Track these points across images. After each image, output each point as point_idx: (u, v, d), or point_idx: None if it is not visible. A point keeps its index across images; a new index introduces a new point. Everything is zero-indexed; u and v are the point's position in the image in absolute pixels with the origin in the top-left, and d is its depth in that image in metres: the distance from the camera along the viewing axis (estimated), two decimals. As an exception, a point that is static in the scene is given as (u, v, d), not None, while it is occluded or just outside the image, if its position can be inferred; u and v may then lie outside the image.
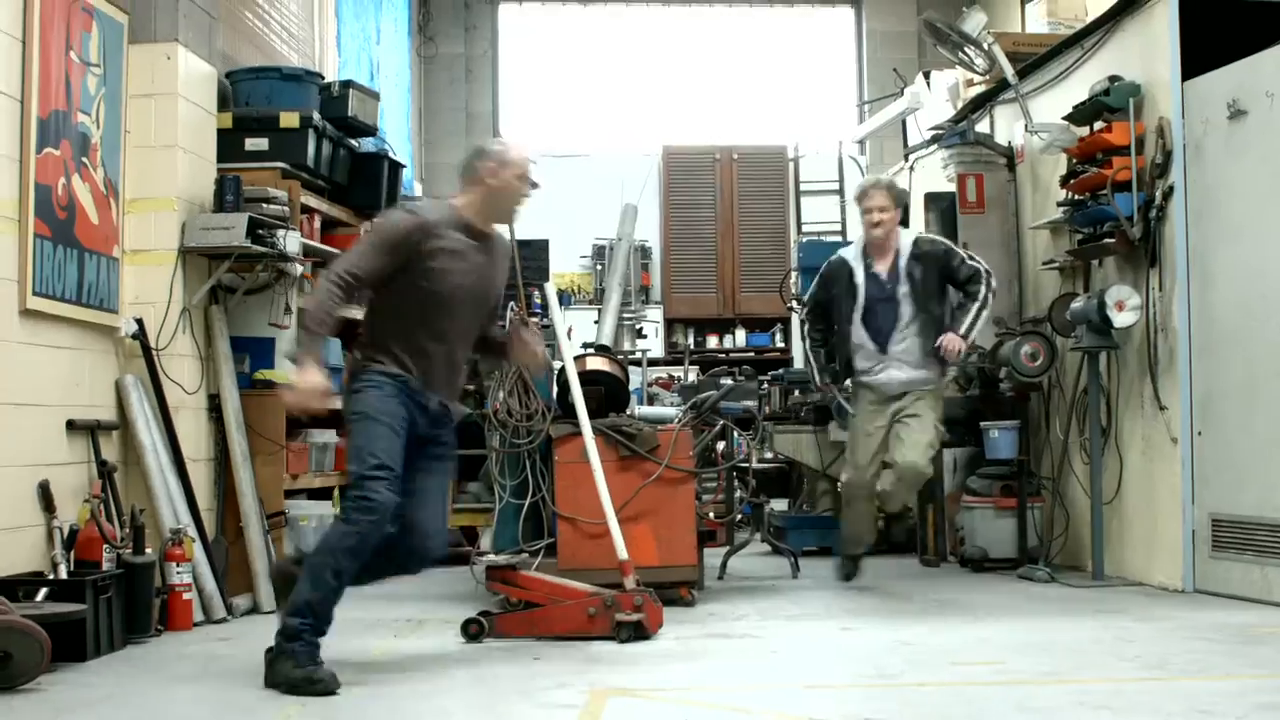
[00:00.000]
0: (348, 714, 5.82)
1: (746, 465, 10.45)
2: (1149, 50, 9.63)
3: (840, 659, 6.96)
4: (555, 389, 9.11)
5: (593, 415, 8.85)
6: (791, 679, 6.34)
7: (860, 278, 9.55)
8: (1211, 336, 9.10)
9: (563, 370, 8.87)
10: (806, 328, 10.03)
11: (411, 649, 7.43)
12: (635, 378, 12.96)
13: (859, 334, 9.56)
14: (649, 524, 8.72)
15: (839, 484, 10.12)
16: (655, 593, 7.78)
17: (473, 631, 7.57)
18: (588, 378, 9.15)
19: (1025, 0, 16.20)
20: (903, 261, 9.47)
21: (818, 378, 9.99)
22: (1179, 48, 9.31)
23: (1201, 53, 9.31)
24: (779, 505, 13.75)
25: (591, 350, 10.26)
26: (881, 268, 9.54)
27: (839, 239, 14.93)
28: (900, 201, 9.66)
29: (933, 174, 12.85)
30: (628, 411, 9.38)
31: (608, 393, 9.22)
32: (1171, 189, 9.34)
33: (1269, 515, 8.49)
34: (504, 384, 9.11)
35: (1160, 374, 9.46)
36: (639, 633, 7.48)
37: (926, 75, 14.88)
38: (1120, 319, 9.38)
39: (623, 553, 7.93)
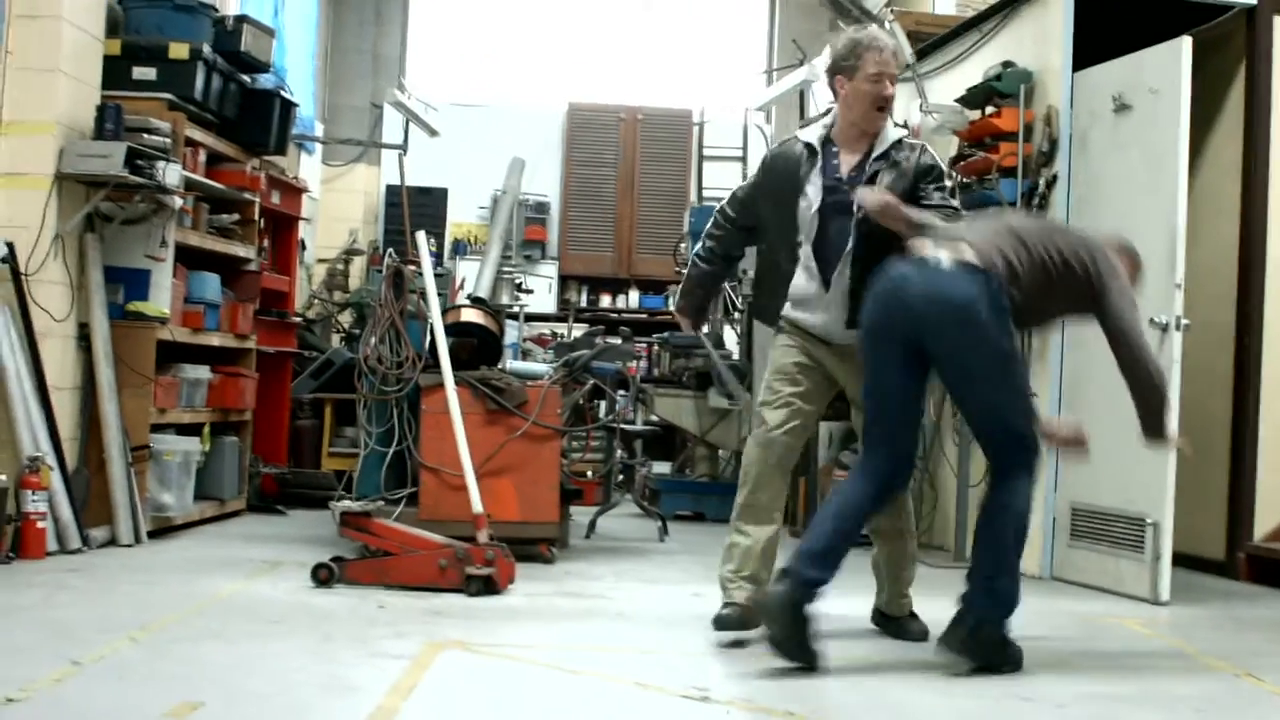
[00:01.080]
0: (180, 653, 5.76)
1: (616, 426, 10.42)
2: (1044, 39, 9.67)
3: (685, 627, 6.93)
4: (428, 338, 9.05)
5: (464, 367, 8.84)
6: (630, 643, 6.35)
7: (816, 174, 6.69)
8: (1083, 327, 9.14)
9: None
10: (710, 226, 7.21)
11: (261, 591, 7.39)
12: (513, 332, 12.95)
13: (805, 255, 6.73)
14: (512, 479, 8.72)
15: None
16: (511, 549, 7.76)
17: (322, 577, 7.53)
18: (461, 329, 9.11)
19: (937, -20, 16.23)
20: (872, 157, 6.72)
21: (682, 302, 7.40)
22: (1073, 38, 9.34)
23: (1093, 45, 9.36)
24: (661, 468, 13.80)
25: (467, 302, 10.20)
26: (848, 162, 6.75)
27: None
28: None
29: (830, 147, 12.84)
30: (500, 366, 9.35)
31: (480, 345, 9.19)
32: (1056, 178, 9.39)
33: (1125, 508, 8.58)
34: (376, 330, 9.05)
35: (1033, 361, 9.52)
36: (489, 587, 7.47)
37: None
38: (997, 303, 9.43)
39: (478, 506, 7.91)
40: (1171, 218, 8.40)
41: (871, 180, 6.59)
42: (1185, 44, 8.50)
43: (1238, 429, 9.52)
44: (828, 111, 7.00)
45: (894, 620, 6.96)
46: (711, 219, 7.22)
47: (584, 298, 17.65)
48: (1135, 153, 8.80)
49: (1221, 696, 5.59)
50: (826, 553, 5.93)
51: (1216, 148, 10.08)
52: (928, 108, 10.53)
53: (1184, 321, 8.37)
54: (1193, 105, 8.51)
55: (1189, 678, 6.04)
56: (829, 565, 5.92)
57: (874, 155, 6.68)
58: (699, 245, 7.26)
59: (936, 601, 7.91)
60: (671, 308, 7.09)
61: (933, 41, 11.30)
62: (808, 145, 6.72)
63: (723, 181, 15.45)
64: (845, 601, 6.62)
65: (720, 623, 6.57)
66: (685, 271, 7.50)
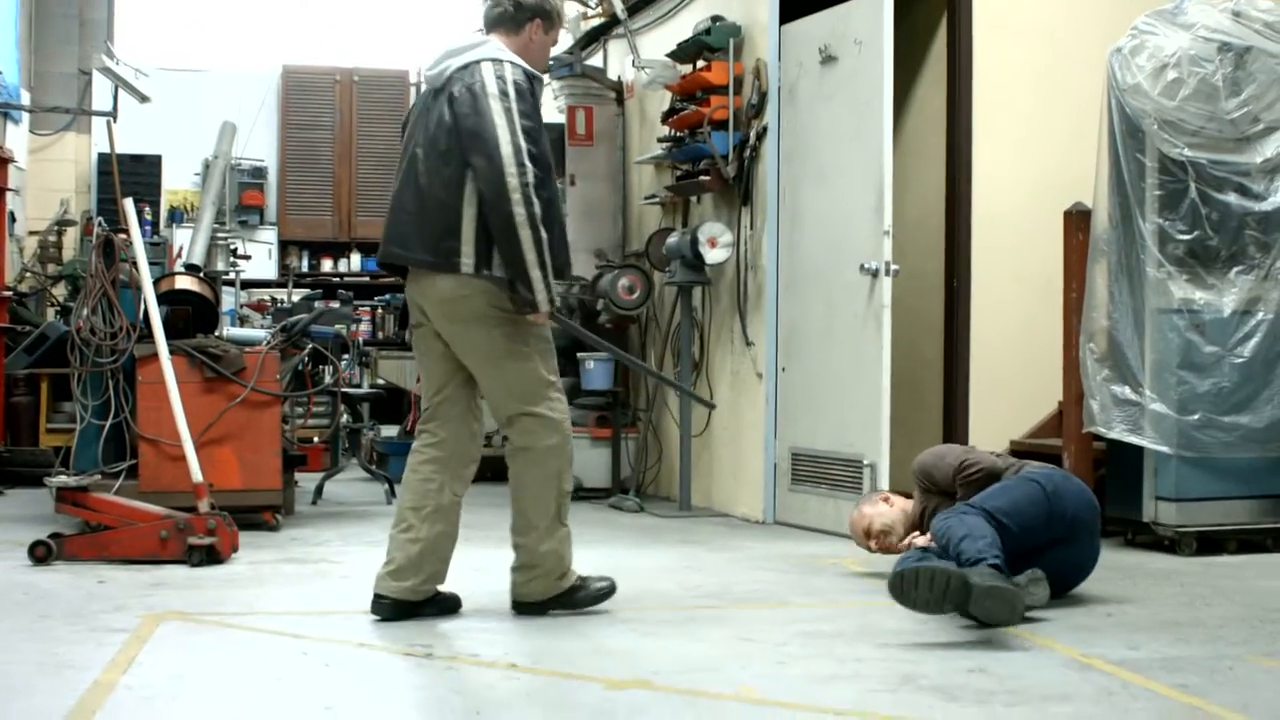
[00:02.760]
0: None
1: (338, 390, 10.33)
2: (751, -8, 9.81)
3: (411, 585, 6.93)
4: (142, 307, 8.87)
5: (180, 335, 8.70)
6: (354, 605, 6.29)
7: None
8: (797, 275, 9.34)
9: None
10: (541, 179, 5.84)
11: (-28, 572, 7.19)
12: (230, 299, 12.77)
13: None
14: (233, 447, 8.62)
15: (530, 446, 6.25)
16: (233, 516, 7.67)
17: (39, 555, 7.34)
18: (175, 297, 8.95)
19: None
20: None
21: (553, 284, 5.93)
22: (780, -8, 9.50)
23: (801, -2, 9.54)
24: (390, 431, 13.72)
25: (181, 270, 10.02)
26: None
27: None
28: None
29: (546, 105, 12.85)
30: (217, 333, 9.21)
31: (196, 313, 9.06)
32: (765, 130, 9.55)
33: (842, 450, 8.78)
34: (88, 301, 8.84)
35: (749, 310, 9.68)
36: (212, 557, 7.37)
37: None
38: (712, 255, 9.57)
39: (198, 475, 7.79)
40: (878, 166, 8.59)
41: None
42: (887, -6, 8.69)
43: (949, 370, 9.79)
44: (480, 42, 6.16)
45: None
46: (524, 170, 5.73)
47: (305, 263, 17.47)
48: (842, 103, 8.97)
49: (933, 631, 5.75)
50: None
51: (922, 97, 10.34)
52: (640, 63, 10.61)
53: (894, 267, 8.57)
54: (897, 55, 8.73)
55: (904, 612, 6.19)
56: None
57: None
58: (531, 209, 5.72)
59: (655, 549, 8.06)
60: (541, 303, 5.67)
61: (644, -3, 11.39)
62: (537, 78, 6.12)
63: (442, 141, 15.35)
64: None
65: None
66: (534, 255, 5.75)
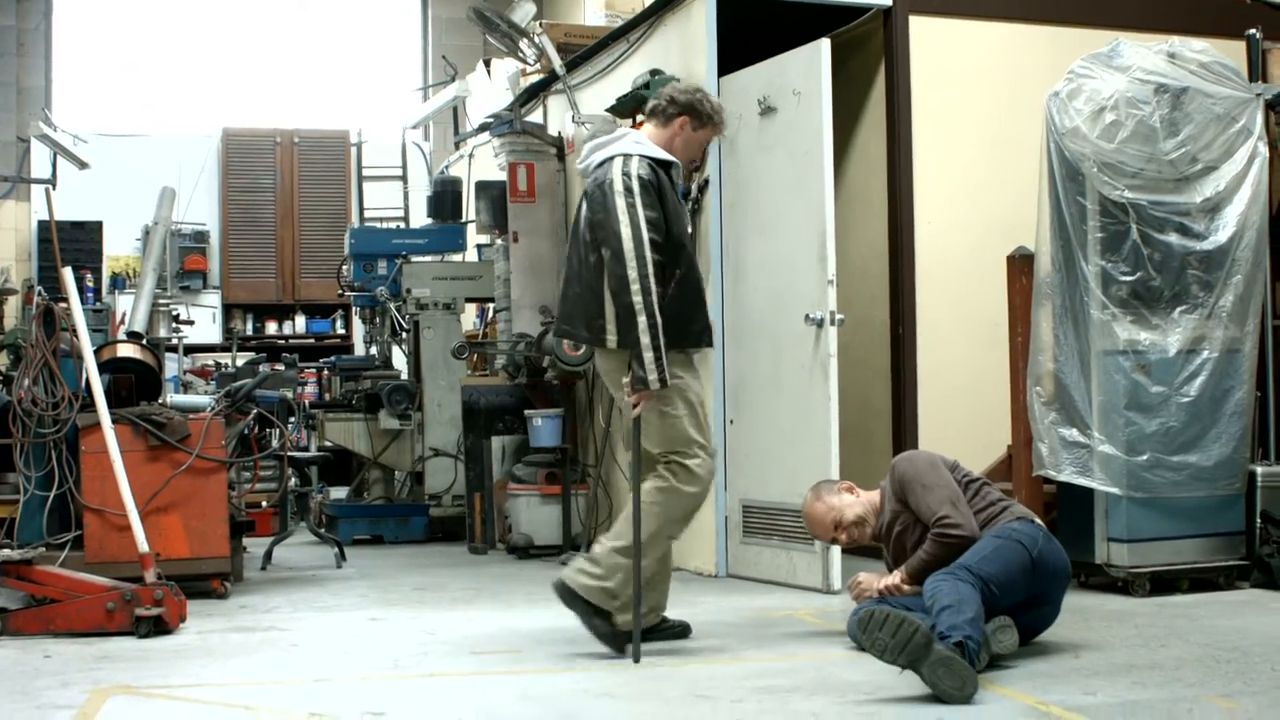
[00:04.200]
0: None
1: (283, 454, 10.24)
2: (688, 45, 9.81)
3: (361, 651, 6.88)
4: (84, 377, 8.78)
5: (123, 404, 8.62)
6: (305, 673, 6.24)
7: (678, 183, 7.06)
8: (743, 326, 9.32)
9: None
10: (648, 272, 6.51)
11: (-84, 650, 7.08)
12: (173, 366, 12.68)
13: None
14: (180, 515, 8.51)
15: (669, 482, 6.75)
16: (181, 585, 7.58)
17: (-17, 630, 7.26)
18: (117, 365, 8.87)
19: (585, -8, 16.39)
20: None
21: (665, 365, 6.54)
22: (715, 44, 9.49)
23: (739, 50, 9.53)
24: (340, 493, 13.65)
25: (124, 338, 9.94)
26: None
27: (400, 225, 14.88)
28: None
29: (489, 163, 12.88)
30: (160, 400, 9.13)
31: (139, 380, 8.98)
32: (707, 182, 9.55)
33: (792, 501, 8.70)
34: (29, 371, 8.74)
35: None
36: (159, 627, 7.28)
37: (487, 63, 14.94)
38: (657, 309, 9.54)
39: (143, 545, 7.71)
40: (821, 216, 8.58)
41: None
42: (824, 46, 8.70)
43: (898, 417, 9.78)
44: (622, 134, 6.98)
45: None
46: (643, 261, 6.46)
47: (250, 326, 17.41)
48: (782, 154, 8.98)
49: (890, 682, 5.72)
50: None
51: (863, 145, 10.36)
52: (580, 118, 10.62)
53: (839, 316, 8.56)
54: (836, 105, 8.72)
55: (859, 664, 6.16)
56: None
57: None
58: (648, 298, 6.46)
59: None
60: (652, 382, 6.30)
61: (583, 53, 11.39)
62: (672, 164, 6.88)
63: (383, 201, 15.37)
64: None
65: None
66: (649, 338, 6.45)
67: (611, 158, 6.73)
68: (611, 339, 6.62)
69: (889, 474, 6.92)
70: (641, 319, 6.44)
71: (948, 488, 6.66)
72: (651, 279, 6.46)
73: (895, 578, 6.66)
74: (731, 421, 9.37)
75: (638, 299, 6.44)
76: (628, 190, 6.54)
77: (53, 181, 14.39)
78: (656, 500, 6.67)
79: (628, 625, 6.48)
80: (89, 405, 8.48)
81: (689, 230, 6.98)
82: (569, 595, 6.56)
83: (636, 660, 6.34)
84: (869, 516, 6.91)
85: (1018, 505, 6.81)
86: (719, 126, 7.02)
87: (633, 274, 6.45)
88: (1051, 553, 6.50)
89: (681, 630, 6.94)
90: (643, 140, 6.81)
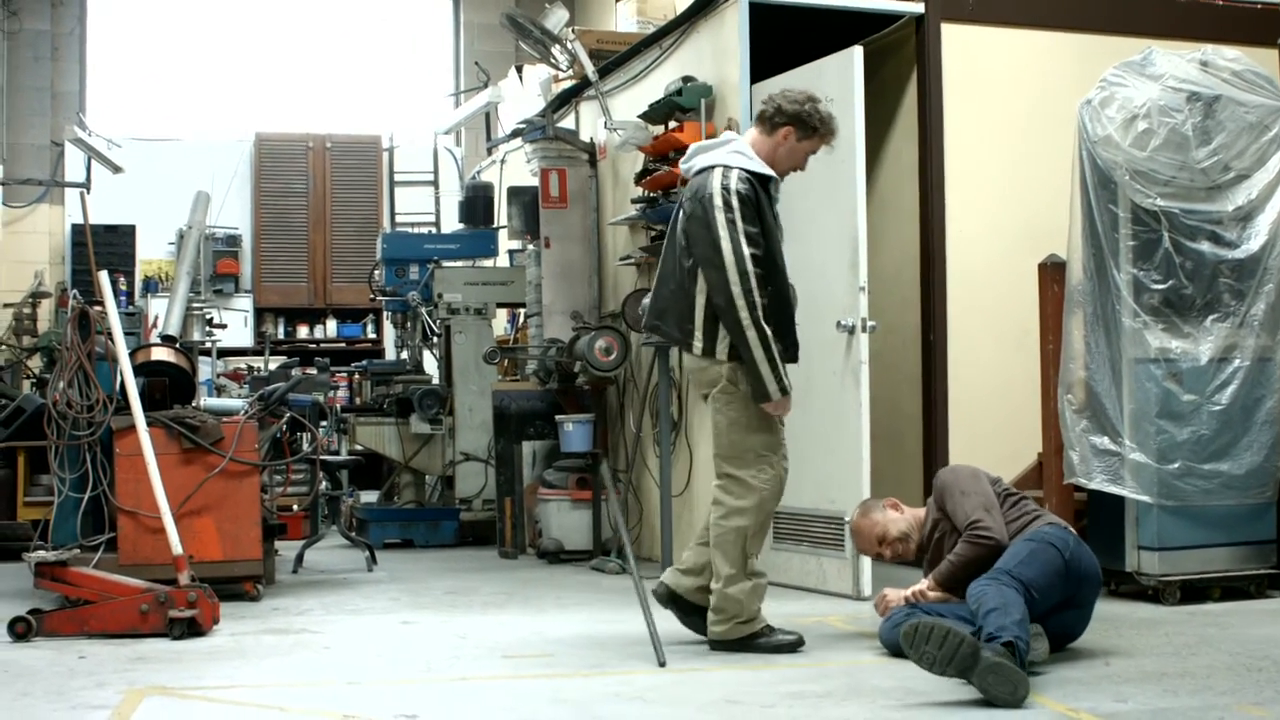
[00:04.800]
0: None
1: (316, 457, 10.28)
2: (721, 52, 9.84)
3: (393, 654, 6.90)
4: (118, 379, 8.84)
5: (157, 407, 8.67)
6: (337, 675, 6.27)
7: (776, 196, 7.07)
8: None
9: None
10: (751, 286, 6.63)
11: (-47, 649, 7.13)
12: (206, 369, 12.74)
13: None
14: (213, 518, 8.55)
15: (725, 506, 6.84)
16: (213, 587, 7.63)
17: (19, 631, 7.28)
18: (151, 369, 8.93)
19: (617, -2, 16.41)
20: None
21: (782, 373, 6.78)
22: (749, 50, 9.52)
23: (772, 57, 9.56)
24: (370, 497, 13.69)
25: (158, 341, 10.00)
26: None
27: (431, 230, 14.92)
28: None
29: (521, 168, 12.93)
30: (194, 403, 9.18)
31: (173, 384, 9.03)
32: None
33: (823, 508, 8.75)
34: (64, 374, 8.80)
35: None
36: (193, 629, 7.31)
37: (519, 69, 14.98)
38: (689, 315, 9.55)
39: (177, 548, 7.76)
40: (852, 223, 8.59)
41: None
42: (857, 53, 8.72)
43: (929, 424, 9.79)
44: (726, 140, 7.08)
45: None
46: (745, 276, 6.59)
47: (281, 329, 17.47)
48: (814, 160, 8.96)
49: (921, 686, 5.73)
50: None
51: (894, 152, 10.38)
52: (612, 124, 10.64)
53: (870, 323, 8.57)
54: (868, 110, 8.74)
55: (890, 670, 6.18)
56: None
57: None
58: (755, 313, 6.61)
59: (638, 611, 8.00)
60: (772, 392, 6.68)
61: (615, 59, 11.42)
62: (771, 179, 6.92)
63: (415, 206, 15.42)
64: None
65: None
66: (761, 351, 6.63)
67: (712, 167, 6.81)
68: (698, 345, 6.79)
69: (934, 484, 6.99)
70: (751, 333, 6.60)
71: (984, 495, 6.72)
72: (756, 293, 6.58)
73: (921, 584, 6.69)
74: (762, 427, 9.38)
75: (744, 315, 6.57)
76: (727, 205, 6.64)
77: (87, 185, 14.49)
78: (725, 529, 6.80)
79: (771, 629, 6.85)
80: (123, 408, 8.54)
81: (783, 245, 6.96)
82: (728, 647, 6.77)
83: (662, 664, 6.38)
84: (912, 532, 6.99)
85: (1049, 514, 6.83)
86: (825, 138, 7.07)
87: (737, 289, 6.57)
88: (1083, 555, 6.54)
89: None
90: (745, 150, 6.87)
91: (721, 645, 6.78)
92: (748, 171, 6.77)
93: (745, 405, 6.78)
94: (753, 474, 6.80)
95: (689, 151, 7.15)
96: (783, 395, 6.73)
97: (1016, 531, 6.58)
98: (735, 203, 6.65)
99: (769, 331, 6.63)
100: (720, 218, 6.62)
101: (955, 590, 6.52)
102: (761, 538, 6.92)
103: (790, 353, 6.97)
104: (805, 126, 6.95)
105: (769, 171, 6.88)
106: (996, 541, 6.49)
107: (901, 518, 7.07)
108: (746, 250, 6.60)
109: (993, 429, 9.52)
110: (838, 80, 8.81)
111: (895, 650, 6.33)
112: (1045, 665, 6.09)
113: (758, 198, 6.75)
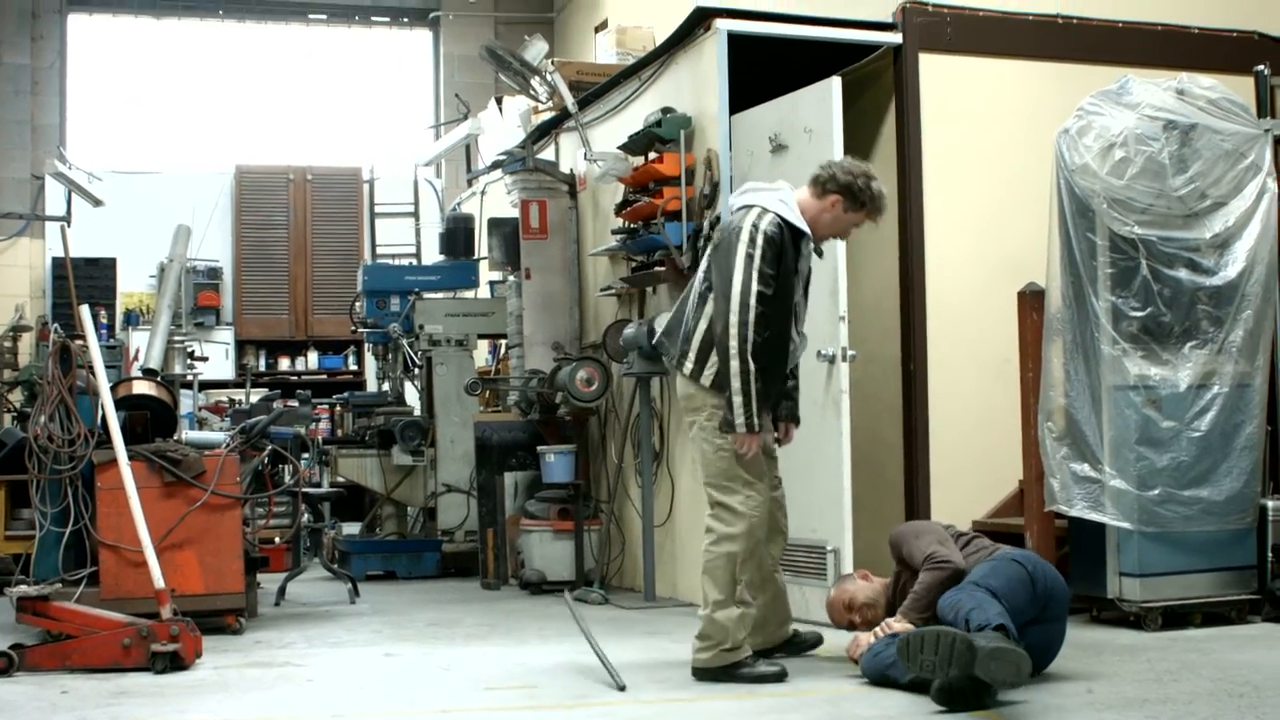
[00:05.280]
0: None
1: (298, 490, 10.28)
2: (700, 83, 9.88)
3: (377, 686, 6.91)
4: (100, 413, 8.83)
5: (138, 440, 8.66)
6: (320, 708, 6.28)
7: (809, 254, 7.20)
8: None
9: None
10: (749, 320, 6.74)
11: (-66, 686, 7.11)
12: (188, 402, 12.72)
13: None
14: (194, 551, 8.55)
15: (717, 532, 6.96)
16: (196, 621, 7.61)
17: (1, 666, 7.27)
18: (133, 402, 8.92)
19: (597, 30, 16.47)
20: None
21: (754, 411, 6.80)
22: (727, 81, 9.55)
23: (750, 89, 9.59)
24: (353, 529, 13.67)
25: (139, 374, 9.99)
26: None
27: (412, 261, 14.93)
28: None
29: (501, 199, 12.95)
30: (176, 436, 9.17)
31: (154, 417, 9.02)
32: (719, 219, 9.58)
33: (805, 536, 8.75)
34: (45, 407, 8.80)
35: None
36: (176, 663, 7.30)
37: (499, 101, 15.02)
38: (670, 346, 9.56)
39: (159, 581, 7.75)
40: (832, 252, 8.60)
41: None
42: (835, 84, 8.77)
43: (910, 452, 9.79)
44: (777, 187, 7.15)
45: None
46: (746, 309, 6.71)
47: (263, 362, 17.49)
48: (794, 191, 9.01)
49: (901, 714, 5.75)
50: None
51: (873, 182, 10.39)
52: (591, 156, 10.67)
53: (851, 352, 8.61)
54: (847, 140, 8.77)
55: (872, 699, 6.20)
56: None
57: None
58: (744, 345, 6.72)
59: (621, 641, 8.03)
60: (739, 425, 6.76)
61: (594, 90, 11.45)
62: (804, 235, 7.02)
63: (396, 238, 15.43)
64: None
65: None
66: (739, 383, 6.72)
67: (750, 206, 6.97)
68: (689, 366, 6.96)
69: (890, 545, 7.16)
70: (735, 363, 6.71)
71: (936, 534, 6.91)
72: (751, 327, 6.70)
73: (889, 621, 6.74)
74: (744, 457, 9.39)
75: (734, 344, 6.70)
76: (751, 241, 6.79)
77: (67, 219, 14.51)
78: (715, 555, 6.90)
79: (761, 648, 7.06)
80: (105, 442, 8.54)
81: (799, 301, 7.11)
82: (709, 676, 6.80)
83: (622, 689, 6.47)
84: (878, 599, 7.12)
85: (1006, 548, 6.90)
86: (872, 215, 7.17)
87: (734, 319, 6.71)
88: (1048, 570, 6.65)
89: (815, 641, 7.50)
90: (789, 201, 6.99)
91: (705, 674, 6.81)
92: (782, 219, 6.89)
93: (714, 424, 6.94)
94: (741, 500, 6.90)
95: (741, 188, 7.34)
96: (748, 431, 6.77)
97: (976, 564, 6.66)
98: (760, 241, 6.79)
99: (753, 367, 6.71)
100: (741, 250, 6.77)
101: (922, 619, 6.58)
102: (751, 564, 6.98)
103: (770, 399, 7.11)
104: (854, 200, 7.06)
105: (804, 227, 6.98)
106: (955, 566, 6.60)
107: (869, 585, 7.25)
108: (755, 286, 6.72)
109: (973, 457, 9.53)
110: (816, 110, 8.86)
111: (877, 680, 6.39)
112: (1025, 692, 6.10)
113: (783, 244, 6.88)
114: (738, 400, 6.71)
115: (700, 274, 7.16)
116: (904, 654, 5.73)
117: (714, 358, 6.84)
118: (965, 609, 6.03)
